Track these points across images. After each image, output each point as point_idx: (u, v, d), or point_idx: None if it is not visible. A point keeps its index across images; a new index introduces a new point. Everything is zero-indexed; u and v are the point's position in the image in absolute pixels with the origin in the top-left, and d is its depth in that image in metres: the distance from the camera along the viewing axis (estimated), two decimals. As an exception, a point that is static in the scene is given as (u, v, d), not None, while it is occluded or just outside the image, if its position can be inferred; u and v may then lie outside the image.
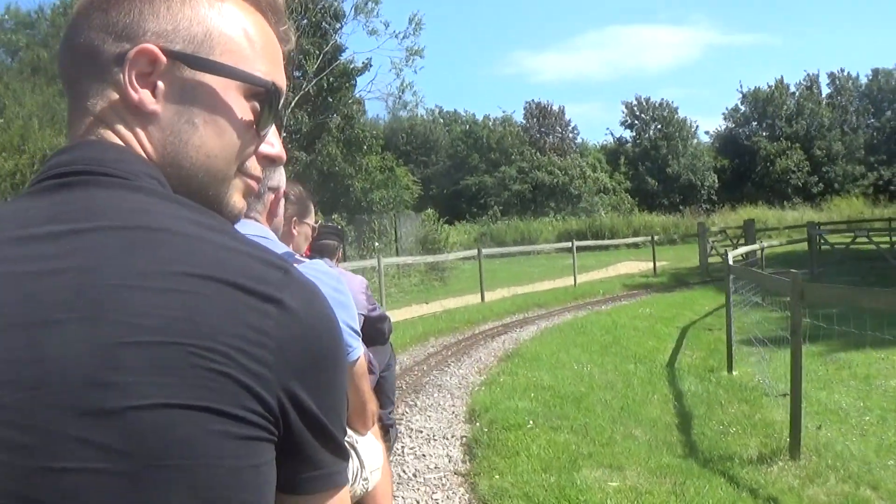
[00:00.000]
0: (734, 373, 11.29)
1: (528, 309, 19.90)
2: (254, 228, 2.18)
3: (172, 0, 1.03)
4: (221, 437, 0.86)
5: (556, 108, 73.12)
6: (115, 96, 1.01)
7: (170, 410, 0.83)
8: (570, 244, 27.41)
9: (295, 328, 0.92)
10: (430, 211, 35.12)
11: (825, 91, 73.39)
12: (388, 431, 4.66)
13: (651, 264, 31.01)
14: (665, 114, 71.74)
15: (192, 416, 0.84)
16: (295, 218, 2.89)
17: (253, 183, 1.15)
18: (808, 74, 73.56)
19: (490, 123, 69.85)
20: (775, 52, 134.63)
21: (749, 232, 32.14)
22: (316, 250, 4.13)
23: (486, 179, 63.87)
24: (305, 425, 0.93)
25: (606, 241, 38.61)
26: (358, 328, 2.37)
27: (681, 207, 61.19)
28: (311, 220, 3.05)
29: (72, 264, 0.88)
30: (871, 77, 72.49)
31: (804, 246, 28.22)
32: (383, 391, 4.65)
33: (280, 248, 2.23)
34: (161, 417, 0.83)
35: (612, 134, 76.44)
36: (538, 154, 66.21)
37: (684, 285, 25.32)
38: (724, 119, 75.30)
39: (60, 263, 0.88)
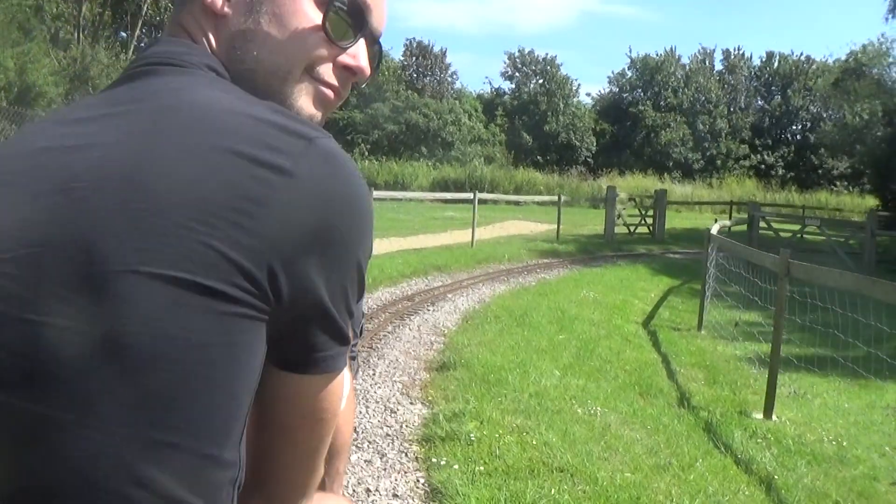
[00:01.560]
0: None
1: (426, 273, 15.94)
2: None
3: None
4: (192, 310, 0.85)
5: (437, 49, 69.01)
6: (196, 2, 1.07)
7: (144, 278, 0.84)
8: (470, 195, 22.75)
9: (300, 198, 0.90)
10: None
11: (718, 67, 71.11)
12: (353, 360, 2.78)
13: (545, 226, 28.21)
14: (548, 69, 67.72)
15: (165, 286, 0.84)
16: None
17: (328, 92, 1.14)
18: (702, 48, 70.91)
19: (367, 56, 64.46)
20: (661, 28, 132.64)
21: (661, 203, 28.44)
22: None
23: (355, 115, 58.69)
24: (303, 302, 0.92)
25: (515, 196, 34.98)
26: None
27: (555, 167, 57.78)
28: None
29: (99, 140, 0.91)
30: (764, 59, 70.47)
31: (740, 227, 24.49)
32: None
33: None
34: (136, 284, 0.84)
35: (490, 83, 71.86)
36: (415, 95, 61.51)
37: (601, 259, 21.45)
38: (609, 83, 71.80)
39: (92, 139, 0.92)
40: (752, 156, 65.69)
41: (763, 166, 64.50)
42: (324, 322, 0.95)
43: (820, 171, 63.11)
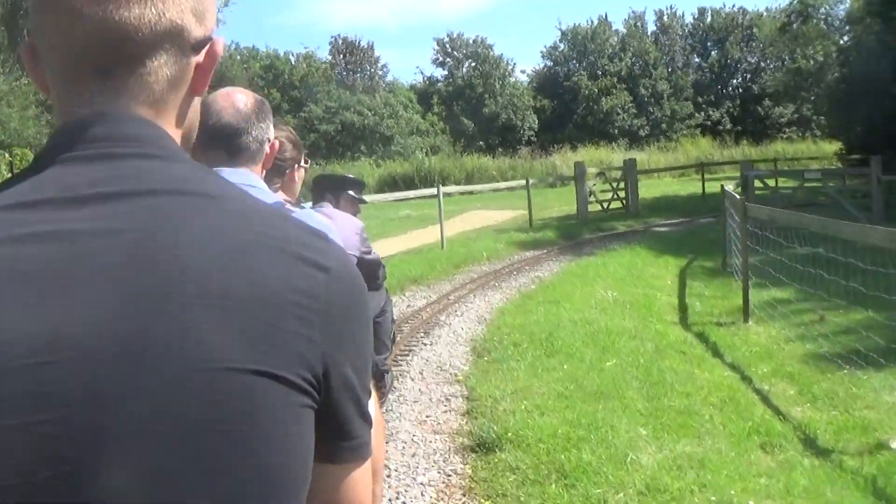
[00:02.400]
0: None
1: (403, 289, 13.48)
2: (243, 177, 2.08)
3: None
4: (275, 403, 0.87)
5: (364, 44, 65.99)
6: (173, 75, 0.99)
7: (230, 374, 0.84)
8: (433, 190, 20.26)
9: (337, 292, 0.94)
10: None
11: (651, 29, 68.87)
12: (382, 378, 4.62)
13: (510, 214, 26.20)
14: (479, 51, 65.11)
15: (251, 379, 0.85)
16: (295, 164, 2.82)
17: None
18: (632, 12, 68.58)
19: (293, 59, 61.38)
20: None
21: (631, 174, 26.12)
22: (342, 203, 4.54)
23: (288, 120, 55.74)
24: (343, 391, 0.95)
25: (482, 186, 32.96)
26: None
27: (500, 150, 55.35)
28: (304, 162, 2.92)
29: (129, 225, 0.87)
30: (696, 16, 68.44)
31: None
32: (378, 336, 4.57)
33: (270, 196, 2.15)
34: (228, 380, 0.84)
35: (422, 73, 69.03)
36: (347, 93, 58.72)
37: (587, 245, 19.13)
38: (543, 57, 69.25)
39: (116, 224, 0.87)
40: (697, 114, 63.67)
41: (709, 123, 62.59)
42: (356, 408, 0.97)
43: (767, 122, 61.34)
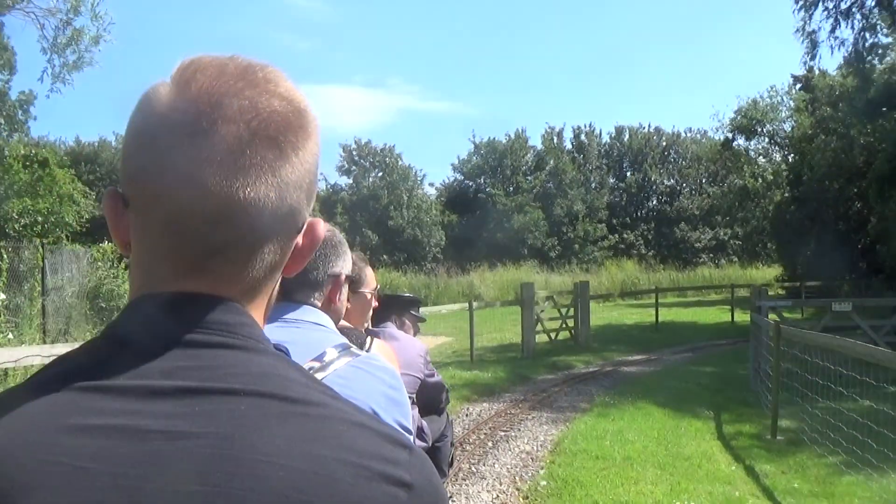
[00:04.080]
0: None
1: None
2: (311, 315, 2.10)
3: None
4: None
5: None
6: (276, 261, 0.96)
7: None
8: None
9: None
10: (106, 245, 18.27)
11: (568, 146, 66.00)
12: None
13: (435, 341, 21.66)
14: (387, 160, 61.16)
15: None
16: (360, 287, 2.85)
17: None
18: (550, 128, 65.67)
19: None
20: (482, 121, 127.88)
21: (584, 300, 21.92)
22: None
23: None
24: None
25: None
26: (411, 425, 2.07)
27: (405, 266, 51.07)
28: (367, 287, 2.91)
29: (207, 430, 0.83)
30: (613, 135, 65.88)
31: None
32: (436, 461, 4.35)
33: (337, 338, 2.07)
34: None
35: (325, 179, 64.26)
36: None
37: (554, 392, 14.68)
38: (454, 170, 65.54)
39: (193, 426, 0.83)
40: (611, 236, 60.58)
41: (623, 246, 59.53)
42: None
43: (682, 246, 58.64)
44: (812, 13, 24.93)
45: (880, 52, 24.61)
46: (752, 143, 38.40)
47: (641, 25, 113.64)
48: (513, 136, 63.24)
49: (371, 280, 2.95)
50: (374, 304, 3.03)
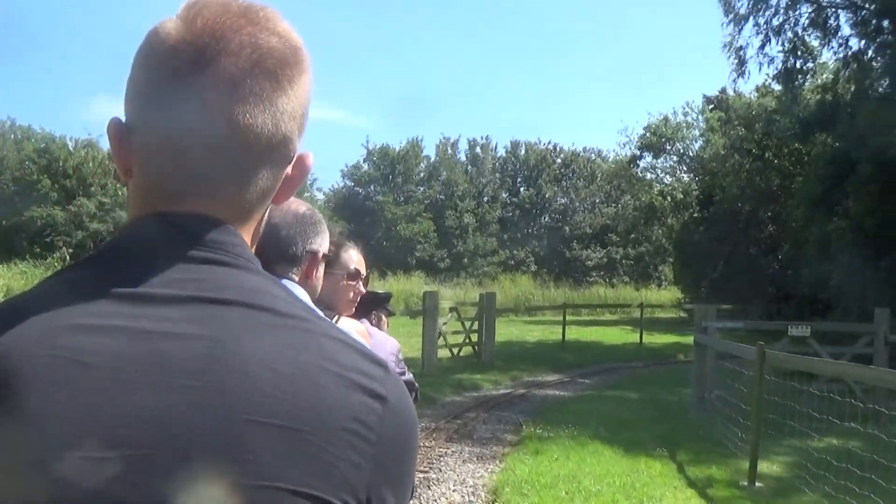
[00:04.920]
0: None
1: None
2: (291, 288, 1.87)
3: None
4: None
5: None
6: (268, 187, 0.99)
7: (279, 493, 0.83)
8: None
9: (393, 424, 0.92)
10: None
11: (463, 158, 64.23)
12: None
13: None
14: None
15: (298, 501, 0.84)
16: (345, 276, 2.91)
17: None
18: (445, 138, 63.72)
19: (71, 145, 52.18)
20: (377, 131, 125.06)
21: (490, 312, 19.86)
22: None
23: (56, 212, 46.56)
24: None
25: None
26: None
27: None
28: (342, 269, 2.88)
29: (202, 332, 0.87)
30: (509, 149, 64.14)
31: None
32: None
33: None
34: (277, 499, 0.83)
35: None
36: (124, 188, 50.17)
37: (468, 418, 12.63)
38: (343, 177, 62.98)
39: (189, 329, 0.87)
40: (501, 251, 58.91)
41: (513, 262, 57.80)
42: None
43: (574, 264, 57.27)
44: (742, 28, 23.61)
45: (812, 70, 23.54)
46: (659, 160, 37.31)
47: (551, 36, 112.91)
48: (407, 144, 61.16)
49: (346, 263, 2.91)
50: (361, 290, 2.98)
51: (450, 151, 63.17)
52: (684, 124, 36.27)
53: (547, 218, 62.31)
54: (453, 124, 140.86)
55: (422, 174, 61.01)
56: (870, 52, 21.72)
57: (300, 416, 0.85)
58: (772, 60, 23.45)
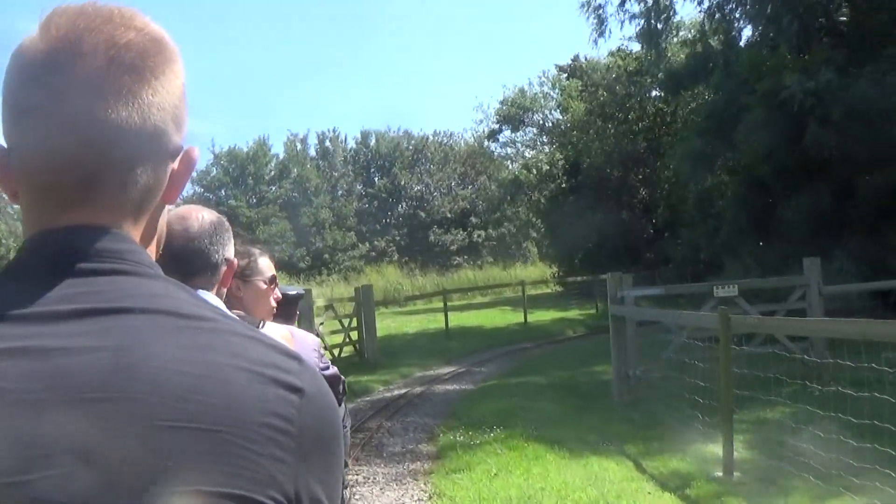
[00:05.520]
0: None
1: None
2: (209, 299, 1.85)
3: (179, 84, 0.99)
4: None
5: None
6: (151, 184, 0.95)
7: (209, 497, 0.80)
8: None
9: (312, 416, 0.89)
10: None
11: (313, 153, 61.72)
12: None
13: None
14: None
15: (223, 503, 0.81)
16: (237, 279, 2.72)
17: None
18: (293, 135, 61.21)
19: None
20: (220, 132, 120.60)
21: (368, 307, 18.09)
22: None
23: None
24: None
25: None
26: None
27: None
28: (260, 276, 2.87)
29: (104, 344, 0.84)
30: (359, 140, 62.06)
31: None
32: None
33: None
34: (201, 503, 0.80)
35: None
36: None
37: (371, 430, 10.90)
38: (193, 183, 59.74)
39: (90, 342, 0.83)
40: (361, 244, 56.99)
41: (374, 253, 55.99)
42: None
43: (436, 249, 55.92)
44: (599, -14, 22.38)
45: (675, 26, 22.63)
46: (518, 134, 36.20)
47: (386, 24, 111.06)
48: (254, 144, 58.59)
49: (265, 270, 2.89)
50: (278, 295, 2.96)
51: (299, 147, 60.84)
52: (541, 95, 35.35)
53: (404, 206, 60.72)
54: (301, 120, 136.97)
55: (272, 173, 58.47)
56: (731, 3, 20.93)
57: (215, 417, 0.82)
58: (633, 17, 22.41)
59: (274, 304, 2.93)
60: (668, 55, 22.87)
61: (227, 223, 2.31)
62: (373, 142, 61.33)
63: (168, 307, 0.89)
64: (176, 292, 0.92)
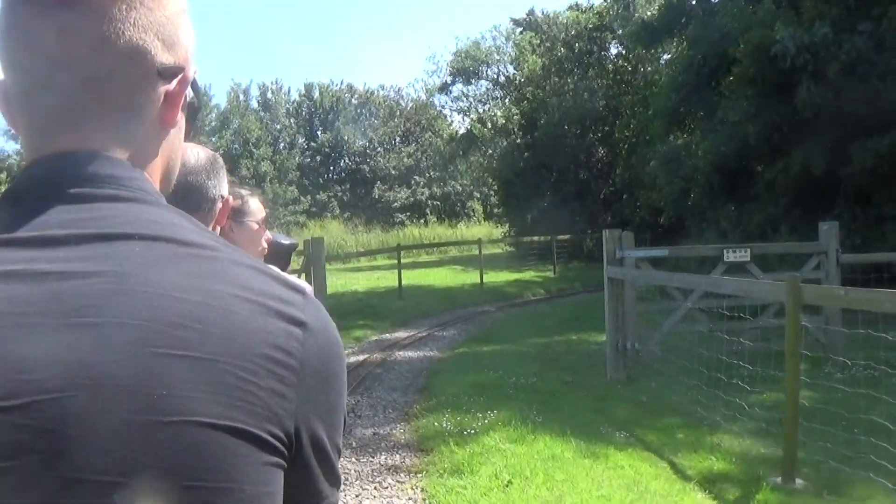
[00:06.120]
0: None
1: None
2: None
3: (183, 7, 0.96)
4: (247, 461, 0.80)
5: None
6: (138, 104, 0.92)
7: (199, 428, 0.77)
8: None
9: (315, 350, 0.86)
10: None
11: (255, 105, 59.29)
12: None
13: None
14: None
15: (220, 435, 0.78)
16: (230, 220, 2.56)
17: None
18: (235, 84, 58.71)
19: None
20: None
21: (317, 260, 16.42)
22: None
23: None
24: (314, 453, 0.87)
25: None
26: None
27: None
28: (252, 218, 2.71)
29: (102, 269, 0.81)
30: (302, 92, 59.81)
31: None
32: None
33: None
34: (195, 434, 0.77)
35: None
36: None
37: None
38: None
39: (88, 266, 0.81)
40: (303, 198, 55.00)
41: (315, 208, 54.27)
42: (324, 467, 0.89)
43: (379, 206, 54.23)
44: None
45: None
46: (471, 87, 34.54)
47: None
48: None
49: (256, 211, 2.74)
50: (269, 237, 2.82)
51: (241, 98, 58.40)
52: (494, 48, 33.74)
53: (347, 161, 58.77)
54: (244, 70, 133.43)
55: (213, 123, 56.05)
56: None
57: (214, 346, 0.79)
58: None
59: (265, 244, 2.77)
60: (636, 7, 21.43)
61: (221, 160, 2.19)
62: (316, 94, 59.15)
63: (169, 234, 0.85)
64: (178, 220, 0.88)
